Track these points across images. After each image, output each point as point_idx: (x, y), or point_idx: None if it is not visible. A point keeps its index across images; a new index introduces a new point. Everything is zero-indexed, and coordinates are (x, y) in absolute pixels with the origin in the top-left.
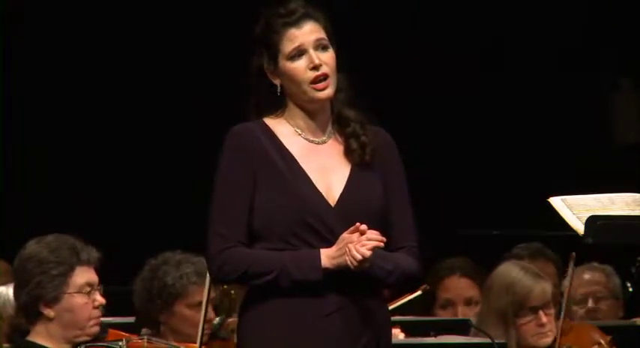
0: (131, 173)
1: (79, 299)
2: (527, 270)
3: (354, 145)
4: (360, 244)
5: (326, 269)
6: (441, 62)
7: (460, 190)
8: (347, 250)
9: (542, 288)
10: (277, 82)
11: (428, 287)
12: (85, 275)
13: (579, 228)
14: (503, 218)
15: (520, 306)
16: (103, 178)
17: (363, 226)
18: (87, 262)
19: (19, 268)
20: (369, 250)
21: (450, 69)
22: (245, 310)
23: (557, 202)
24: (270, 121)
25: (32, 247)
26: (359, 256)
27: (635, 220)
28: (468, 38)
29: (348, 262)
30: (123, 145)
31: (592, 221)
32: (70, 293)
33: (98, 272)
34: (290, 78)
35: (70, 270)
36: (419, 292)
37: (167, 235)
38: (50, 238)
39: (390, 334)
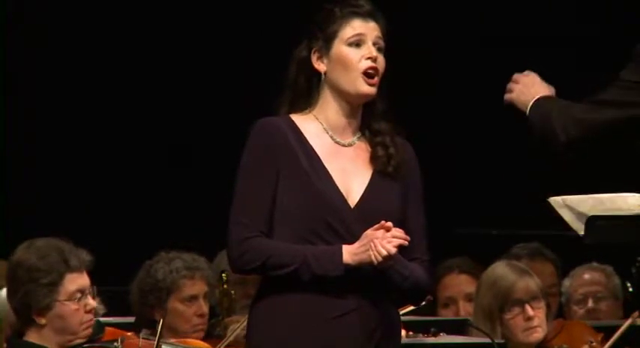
0: (132, 174)
1: (71, 306)
2: (513, 266)
3: (380, 152)
4: (385, 240)
5: (347, 265)
6: (442, 61)
7: (459, 190)
8: (372, 245)
9: (526, 282)
10: (323, 68)
11: (432, 298)
12: (75, 282)
13: (579, 228)
14: (503, 218)
15: (504, 300)
16: (105, 178)
17: (389, 224)
18: (77, 268)
19: (9, 274)
20: (394, 247)
21: (452, 69)
22: (258, 302)
23: (557, 202)
24: (297, 118)
25: (21, 252)
26: (384, 252)
27: (635, 220)
28: (465, 36)
29: (373, 258)
30: (122, 145)
31: (592, 221)
32: (60, 301)
33: (90, 274)
34: (342, 63)
35: (60, 278)
36: (422, 303)
37: (167, 236)
38: (39, 243)
39: (399, 336)
